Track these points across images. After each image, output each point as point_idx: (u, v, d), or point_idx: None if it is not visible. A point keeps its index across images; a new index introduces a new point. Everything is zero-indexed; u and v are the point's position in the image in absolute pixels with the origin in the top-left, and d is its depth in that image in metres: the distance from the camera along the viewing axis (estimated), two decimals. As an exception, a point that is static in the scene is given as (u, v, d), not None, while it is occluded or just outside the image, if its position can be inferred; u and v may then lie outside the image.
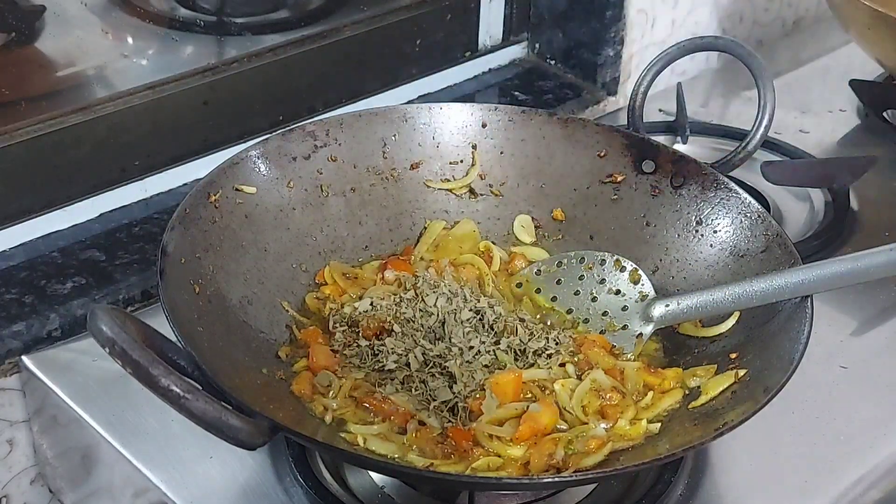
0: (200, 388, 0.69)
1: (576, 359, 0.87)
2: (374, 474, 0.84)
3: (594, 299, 0.94)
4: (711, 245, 0.93)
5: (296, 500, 0.81)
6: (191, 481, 0.83)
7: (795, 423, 0.90)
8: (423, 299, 0.90)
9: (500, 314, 0.90)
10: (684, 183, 0.96)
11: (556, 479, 0.77)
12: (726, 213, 0.93)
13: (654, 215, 0.96)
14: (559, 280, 0.96)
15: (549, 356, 0.87)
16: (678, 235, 0.95)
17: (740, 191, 0.93)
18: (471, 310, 0.89)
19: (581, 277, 0.95)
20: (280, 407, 0.80)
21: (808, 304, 0.82)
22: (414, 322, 0.88)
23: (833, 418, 0.91)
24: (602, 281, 0.94)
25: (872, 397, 0.93)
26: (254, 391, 0.78)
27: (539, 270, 0.97)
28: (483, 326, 0.89)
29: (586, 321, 0.93)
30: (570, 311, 0.94)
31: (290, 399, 0.82)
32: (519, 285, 0.97)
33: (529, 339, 0.87)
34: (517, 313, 0.92)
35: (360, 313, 0.89)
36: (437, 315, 0.88)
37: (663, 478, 0.82)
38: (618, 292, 0.93)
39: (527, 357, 0.87)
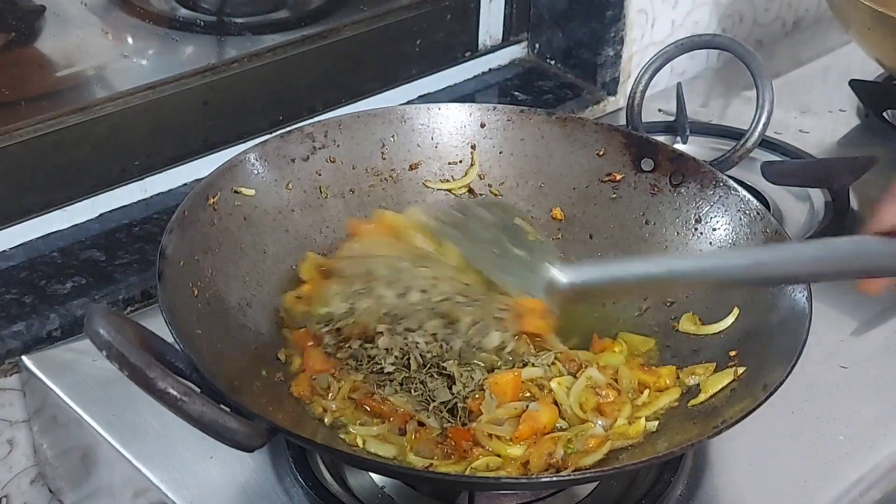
0: (198, 390, 0.69)
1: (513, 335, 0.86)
2: (373, 474, 0.84)
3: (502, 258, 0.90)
4: (711, 243, 0.93)
5: (296, 500, 0.81)
6: (191, 481, 0.83)
7: (795, 423, 0.90)
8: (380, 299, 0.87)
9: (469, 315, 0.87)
10: (683, 181, 0.96)
11: (556, 479, 0.78)
12: (725, 210, 0.93)
13: (654, 213, 0.96)
14: (470, 237, 0.91)
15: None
16: (677, 233, 0.95)
17: (739, 188, 0.93)
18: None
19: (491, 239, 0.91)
20: (279, 408, 0.80)
21: (808, 304, 0.82)
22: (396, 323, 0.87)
23: (833, 418, 0.91)
24: (512, 242, 0.90)
25: (872, 397, 0.93)
26: (253, 393, 0.78)
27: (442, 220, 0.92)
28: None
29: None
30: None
31: (290, 400, 0.82)
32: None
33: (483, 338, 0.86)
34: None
35: (339, 318, 0.87)
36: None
37: (663, 477, 0.82)
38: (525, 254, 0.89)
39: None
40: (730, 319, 0.88)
